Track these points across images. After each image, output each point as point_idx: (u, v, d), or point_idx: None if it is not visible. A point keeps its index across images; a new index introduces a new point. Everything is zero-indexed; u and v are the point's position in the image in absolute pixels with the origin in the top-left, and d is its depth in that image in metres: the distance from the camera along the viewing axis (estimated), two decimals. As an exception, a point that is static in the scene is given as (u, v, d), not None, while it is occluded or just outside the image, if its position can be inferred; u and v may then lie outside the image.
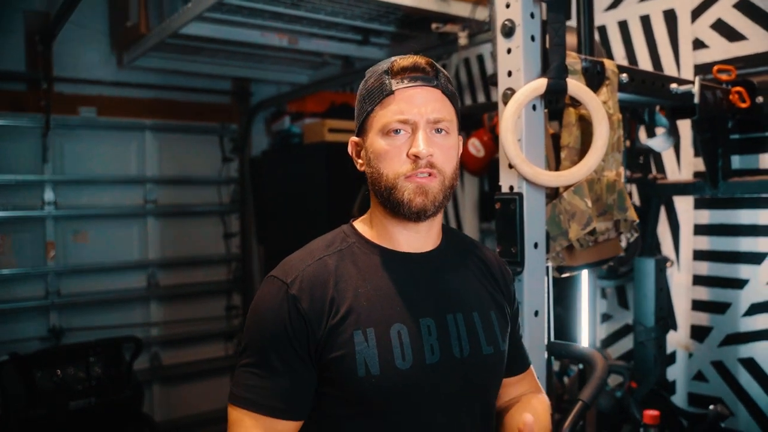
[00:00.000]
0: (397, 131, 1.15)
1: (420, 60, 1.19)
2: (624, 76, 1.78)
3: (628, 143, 2.28)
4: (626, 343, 2.79)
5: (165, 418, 4.42)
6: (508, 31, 1.61)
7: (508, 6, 1.61)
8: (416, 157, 1.14)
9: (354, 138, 1.26)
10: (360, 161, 1.25)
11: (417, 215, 1.16)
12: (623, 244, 1.90)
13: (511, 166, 1.60)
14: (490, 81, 1.88)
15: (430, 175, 1.15)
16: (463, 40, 2.92)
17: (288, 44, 3.52)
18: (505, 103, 1.60)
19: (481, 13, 2.90)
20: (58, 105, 3.99)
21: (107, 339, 3.62)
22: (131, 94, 4.35)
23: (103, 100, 4.22)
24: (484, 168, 3.00)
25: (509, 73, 1.62)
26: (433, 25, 2.92)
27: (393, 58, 1.20)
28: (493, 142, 2.88)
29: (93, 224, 4.24)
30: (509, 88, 1.62)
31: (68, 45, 4.00)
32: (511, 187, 1.63)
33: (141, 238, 4.45)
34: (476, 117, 3.02)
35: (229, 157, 4.80)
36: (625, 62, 2.72)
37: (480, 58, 3.48)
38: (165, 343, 4.51)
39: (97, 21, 4.17)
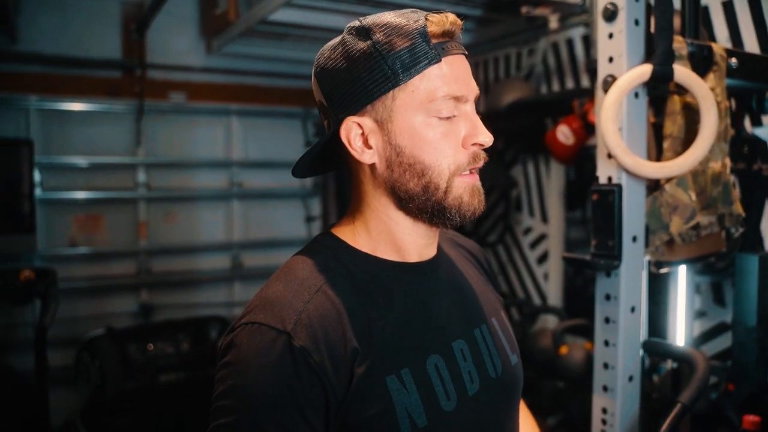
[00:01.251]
0: (449, 112, 0.91)
1: (456, 18, 0.93)
2: (733, 60, 1.67)
3: (732, 132, 2.15)
4: (721, 342, 2.65)
5: (246, 394, 4.55)
6: (610, 15, 1.54)
7: (610, -12, 1.54)
8: (480, 147, 0.94)
9: (355, 118, 0.93)
10: (368, 150, 0.94)
11: (466, 222, 0.96)
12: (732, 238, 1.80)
13: (610, 156, 1.54)
14: (589, 67, 1.81)
15: (471, 171, 0.95)
16: (553, 23, 2.83)
17: (372, 29, 3.50)
18: (606, 91, 1.54)
19: (574, -4, 2.80)
20: (151, 90, 4.14)
21: (195, 318, 3.77)
22: (219, 79, 4.46)
23: (192, 86, 4.35)
24: (573, 156, 2.91)
25: (610, 59, 1.56)
26: (524, 9, 2.83)
27: (418, 14, 0.92)
28: (583, 130, 2.79)
29: (182, 206, 4.39)
30: (610, 75, 1.55)
31: (160, 33, 4.13)
32: (610, 178, 1.57)
33: (226, 219, 4.57)
34: (566, 103, 2.93)
35: (311, 141, 4.85)
36: (728, 45, 2.56)
37: (569, 43, 3.36)
38: (248, 323, 4.64)
39: (188, 9, 4.29)
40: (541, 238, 3.65)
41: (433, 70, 0.90)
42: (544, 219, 3.62)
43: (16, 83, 3.76)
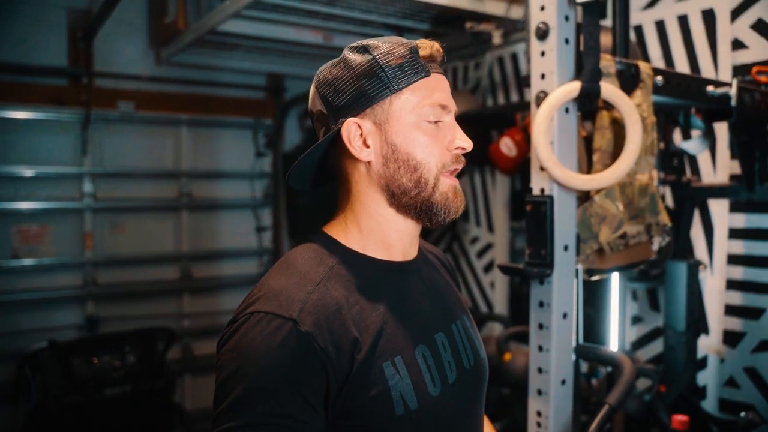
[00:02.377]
0: (436, 117, 1.04)
1: (440, 47, 1.09)
2: (659, 78, 1.76)
3: (662, 145, 2.26)
4: (657, 347, 2.76)
5: (195, 407, 4.50)
6: (542, 34, 1.61)
7: (542, 9, 1.61)
8: (461, 151, 1.07)
9: (355, 120, 1.04)
10: (366, 148, 1.05)
11: (449, 219, 1.07)
12: (655, 247, 1.89)
13: (542, 169, 1.61)
14: (525, 83, 1.89)
15: (454, 172, 1.08)
16: (497, 39, 2.91)
17: (323, 41, 3.54)
18: (538, 106, 1.60)
19: (516, 12, 2.90)
20: (98, 99, 4.08)
21: (142, 329, 3.71)
22: (168, 89, 4.43)
23: (141, 95, 4.31)
24: (516, 167, 2.99)
25: (542, 76, 1.63)
26: (467, 24, 2.91)
27: (407, 40, 1.07)
28: (525, 142, 2.87)
29: (130, 216, 4.34)
30: (542, 91, 1.62)
31: (108, 41, 4.09)
32: (542, 190, 1.64)
33: (175, 230, 4.53)
34: (509, 116, 3.02)
35: (262, 152, 4.85)
36: (661, 63, 2.69)
37: (514, 57, 3.47)
38: (197, 334, 4.58)
39: (137, 17, 4.25)
40: (488, 247, 3.73)
41: (423, 82, 1.04)
42: (491, 228, 3.70)
43: (-45, 90, 3.67)
